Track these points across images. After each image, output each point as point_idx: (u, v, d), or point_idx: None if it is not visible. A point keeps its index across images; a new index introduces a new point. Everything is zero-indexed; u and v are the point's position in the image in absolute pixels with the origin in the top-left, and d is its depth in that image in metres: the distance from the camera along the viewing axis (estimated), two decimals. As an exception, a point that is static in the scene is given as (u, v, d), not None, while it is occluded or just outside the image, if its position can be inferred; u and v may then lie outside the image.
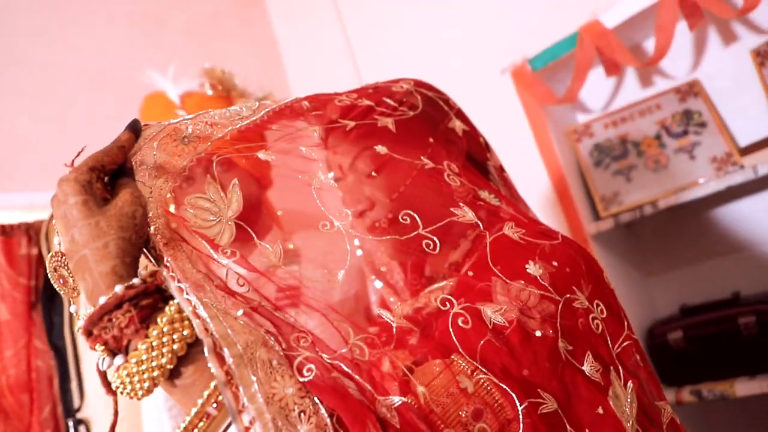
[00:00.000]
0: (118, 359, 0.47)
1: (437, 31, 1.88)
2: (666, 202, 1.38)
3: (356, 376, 0.48)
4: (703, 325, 1.38)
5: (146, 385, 0.46)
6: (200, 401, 0.45)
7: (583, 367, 0.60)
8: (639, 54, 1.58)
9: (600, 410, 0.57)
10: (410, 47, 1.96)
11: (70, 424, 1.26)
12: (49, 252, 1.35)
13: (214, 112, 0.62)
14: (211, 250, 0.51)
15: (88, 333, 0.47)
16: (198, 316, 0.46)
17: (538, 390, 0.55)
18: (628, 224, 1.55)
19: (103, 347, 0.47)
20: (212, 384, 0.45)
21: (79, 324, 0.50)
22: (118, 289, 0.46)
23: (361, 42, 2.07)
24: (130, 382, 0.46)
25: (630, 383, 0.62)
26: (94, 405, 1.27)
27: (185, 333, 0.46)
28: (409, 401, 0.48)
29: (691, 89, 1.51)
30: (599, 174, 1.58)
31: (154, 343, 0.45)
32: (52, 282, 0.51)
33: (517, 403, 0.52)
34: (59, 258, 0.51)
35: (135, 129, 0.55)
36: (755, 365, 1.30)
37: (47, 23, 1.70)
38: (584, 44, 1.47)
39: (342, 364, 0.48)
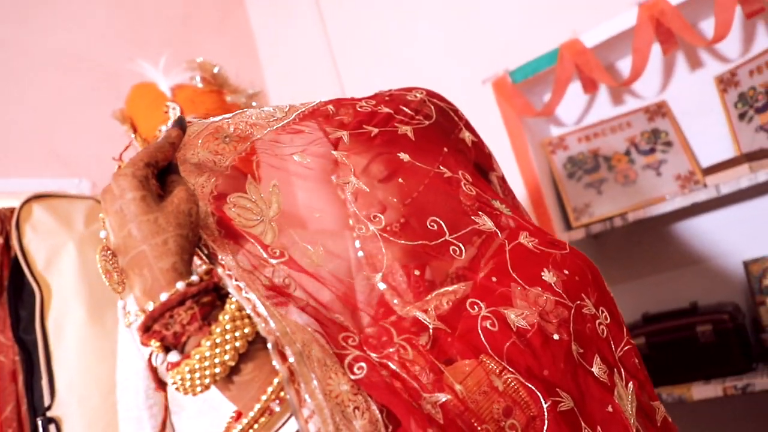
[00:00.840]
0: (173, 356, 0.48)
1: (420, 36, 1.92)
2: (635, 215, 1.47)
3: (403, 374, 0.51)
4: (664, 332, 1.47)
5: (206, 381, 0.46)
6: (264, 397, 0.47)
7: (592, 369, 0.65)
8: (612, 73, 1.67)
9: (609, 408, 0.62)
10: (392, 50, 1.99)
11: (39, 423, 1.22)
12: (20, 242, 1.31)
13: (250, 112, 0.63)
14: (261, 250, 0.53)
15: (147, 328, 0.47)
16: (258, 315, 0.47)
17: (557, 389, 0.59)
18: (596, 235, 1.64)
19: (159, 343, 0.47)
20: (275, 381, 0.47)
21: (131, 319, 0.51)
22: (180, 285, 0.47)
23: (341, 43, 2.09)
24: (191, 378, 0.46)
25: (630, 384, 0.68)
26: (67, 403, 1.24)
27: (246, 331, 0.47)
28: (451, 398, 0.51)
29: (659, 110, 1.62)
30: (572, 185, 1.67)
31: (218, 340, 0.46)
32: (101, 275, 0.51)
33: (542, 401, 0.56)
34: (105, 252, 0.51)
35: (183, 126, 0.56)
36: (710, 371, 1.41)
37: (20, 5, 1.64)
38: (564, 61, 1.54)
39: (390, 363, 0.51)
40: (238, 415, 0.53)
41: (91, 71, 1.72)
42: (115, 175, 0.50)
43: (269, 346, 0.46)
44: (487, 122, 1.72)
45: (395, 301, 0.81)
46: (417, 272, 0.77)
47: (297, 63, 2.18)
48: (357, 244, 0.63)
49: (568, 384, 0.61)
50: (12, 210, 1.33)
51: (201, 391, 0.47)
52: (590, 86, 1.56)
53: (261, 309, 0.47)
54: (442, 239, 0.66)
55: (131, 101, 1.23)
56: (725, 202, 1.52)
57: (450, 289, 0.75)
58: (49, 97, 1.61)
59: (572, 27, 1.57)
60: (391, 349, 0.52)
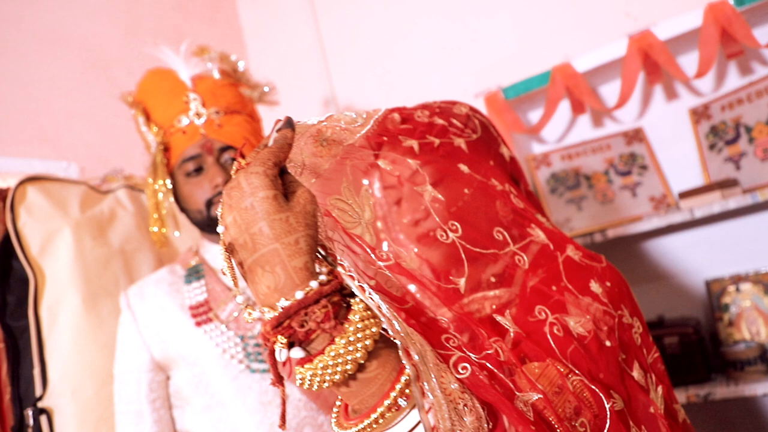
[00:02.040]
0: (297, 352, 0.49)
1: (415, 45, 1.96)
2: (615, 232, 1.58)
3: (500, 374, 0.55)
4: (633, 342, 1.58)
5: (336, 377, 0.48)
6: (393, 394, 0.49)
7: (633, 373, 0.71)
8: (595, 97, 1.78)
9: (651, 410, 0.68)
10: (385, 55, 2.03)
11: (30, 413, 1.17)
12: (14, 224, 1.25)
13: (338, 116, 0.65)
14: (370, 252, 0.55)
15: (278, 324, 0.49)
16: (384, 315, 0.50)
17: (611, 391, 0.65)
18: (574, 248, 1.74)
19: (285, 340, 0.49)
20: (402, 378, 0.49)
21: (255, 315, 0.52)
22: (314, 284, 0.48)
23: (333, 47, 2.11)
24: (321, 375, 0.48)
25: (659, 388, 0.75)
26: (60, 394, 1.19)
27: (374, 330, 0.49)
28: (541, 397, 0.56)
29: (636, 135, 1.74)
30: (554, 201, 1.76)
31: (351, 338, 0.48)
32: (225, 268, 0.52)
33: (605, 402, 0.62)
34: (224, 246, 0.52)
35: (293, 127, 0.57)
36: (675, 379, 1.53)
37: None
38: (556, 83, 1.63)
39: (487, 363, 0.55)
40: (345, 408, 0.55)
41: (83, 53, 1.66)
42: (244, 173, 0.50)
43: (399, 345, 0.48)
44: (478, 134, 1.79)
45: (427, 303, 0.86)
46: (433, 277, 0.82)
47: (287, 64, 2.17)
48: (438, 250, 0.66)
49: (618, 387, 0.67)
50: (4, 191, 1.27)
51: (328, 387, 0.49)
52: (578, 108, 1.66)
53: (385, 310, 0.50)
54: (508, 249, 0.70)
55: (146, 87, 1.20)
56: (693, 224, 1.65)
57: (491, 294, 0.80)
58: (39, 78, 1.54)
59: (564, 51, 1.67)
60: (489, 351, 0.56)
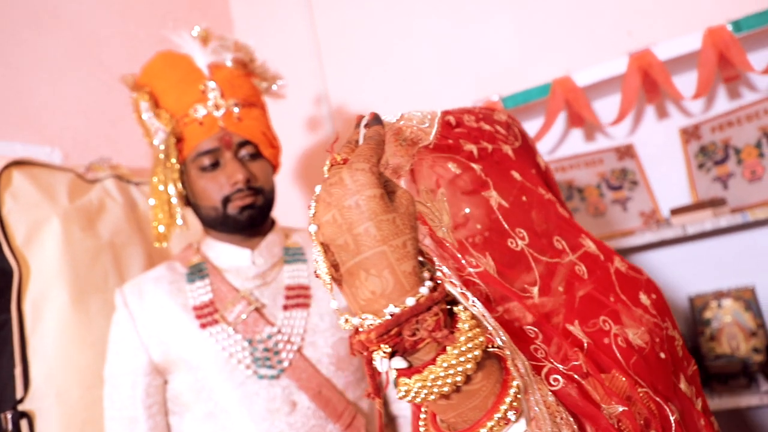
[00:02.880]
0: (399, 362, 0.46)
1: (414, 49, 1.96)
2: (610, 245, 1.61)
3: (588, 387, 0.54)
4: (620, 353, 1.62)
5: (445, 389, 0.45)
6: (503, 407, 0.46)
7: (680, 386, 0.72)
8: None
9: (702, 422, 0.69)
10: (383, 54, 2.01)
11: (9, 417, 1.08)
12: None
13: (409, 115, 0.63)
14: (461, 258, 0.54)
15: (386, 332, 0.45)
16: (489, 324, 0.48)
17: (669, 403, 0.66)
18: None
19: (390, 349, 0.46)
20: (512, 391, 0.47)
21: (355, 322, 0.48)
22: (424, 290, 0.46)
23: (330, 43, 2.08)
24: (430, 386, 0.45)
25: (698, 400, 0.76)
26: (43, 396, 1.11)
27: (481, 339, 0.47)
28: (626, 409, 0.55)
29: (628, 151, 1.79)
30: (546, 211, 1.78)
31: (462, 348, 0.45)
32: (323, 270, 0.48)
33: (670, 414, 0.62)
34: (316, 247, 0.49)
35: (382, 123, 0.55)
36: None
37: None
38: (556, 95, 1.66)
39: (575, 374, 0.54)
40: (434, 419, 0.52)
41: (71, 36, 1.57)
42: (349, 169, 0.47)
43: (508, 357, 0.47)
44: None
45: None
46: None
47: (278, 57, 2.12)
48: (510, 257, 0.65)
49: (674, 399, 0.67)
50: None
51: (434, 399, 0.47)
52: (577, 122, 1.69)
53: (491, 319, 0.48)
54: (569, 258, 0.70)
55: (156, 70, 1.13)
56: (680, 241, 1.71)
57: (529, 302, 0.80)
58: (24, 59, 1.45)
59: (565, 64, 1.70)
60: (576, 362, 0.55)
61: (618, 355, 0.64)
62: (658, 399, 0.63)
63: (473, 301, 0.49)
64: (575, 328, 0.63)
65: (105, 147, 1.56)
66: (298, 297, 1.12)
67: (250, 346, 1.06)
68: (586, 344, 0.62)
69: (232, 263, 1.13)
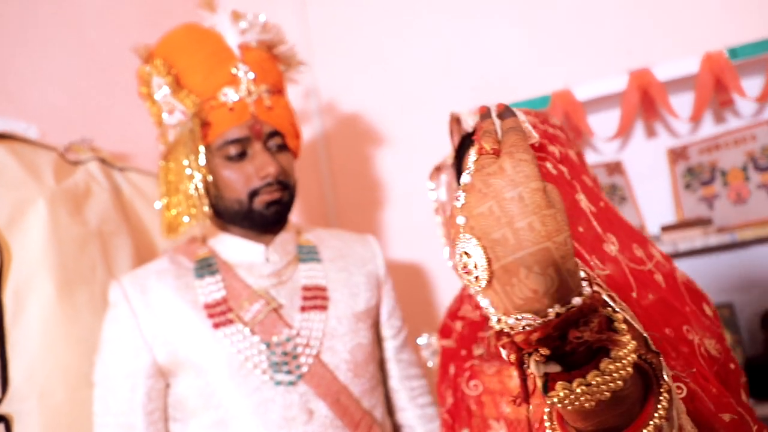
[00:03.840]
0: (553, 366, 0.44)
1: (413, 46, 1.93)
2: (601, 259, 1.65)
3: (702, 394, 0.53)
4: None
5: (605, 395, 0.43)
6: (657, 415, 0.45)
7: (742, 397, 0.73)
8: (582, 127, 1.86)
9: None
10: (378, 53, 1.98)
11: (-17, 419, 0.96)
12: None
13: (520, 116, 0.62)
14: (589, 259, 0.52)
15: (548, 333, 0.43)
16: (638, 328, 0.46)
17: (746, 414, 0.67)
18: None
19: (548, 351, 0.43)
20: (662, 398, 0.46)
21: (511, 322, 0.45)
22: (588, 290, 0.44)
23: (322, 37, 2.03)
24: (589, 392, 0.43)
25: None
26: (24, 398, 0.99)
27: (634, 344, 0.45)
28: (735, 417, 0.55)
29: (617, 167, 1.84)
30: (537, 222, 1.80)
31: (622, 352, 0.43)
32: (458, 269, 0.45)
33: (751, 424, 0.63)
34: (467, 239, 0.45)
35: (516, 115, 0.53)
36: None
37: None
38: (555, 107, 1.69)
39: (690, 381, 0.53)
40: (560, 421, 0.50)
41: (55, 8, 1.45)
42: (511, 158, 0.45)
43: (663, 365, 0.45)
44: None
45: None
46: None
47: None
48: (610, 264, 0.64)
49: (747, 409, 0.68)
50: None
51: (586, 407, 0.44)
52: (576, 135, 1.73)
53: (637, 324, 0.47)
54: (649, 266, 0.70)
55: (179, 44, 1.03)
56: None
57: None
58: (4, 29, 1.32)
59: (565, 78, 1.73)
60: (694, 369, 0.54)
61: (704, 364, 0.64)
62: (739, 409, 0.63)
63: (621, 304, 0.47)
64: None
65: (85, 127, 1.45)
66: (316, 298, 1.07)
67: (267, 349, 0.99)
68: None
69: (244, 259, 1.07)
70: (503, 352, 0.46)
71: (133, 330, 0.99)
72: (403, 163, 1.92)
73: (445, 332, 0.96)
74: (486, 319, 0.92)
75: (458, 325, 0.94)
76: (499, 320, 0.45)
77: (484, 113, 0.52)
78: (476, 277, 0.44)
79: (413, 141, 1.91)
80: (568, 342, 0.43)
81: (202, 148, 0.99)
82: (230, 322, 1.00)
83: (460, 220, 0.46)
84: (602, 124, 1.79)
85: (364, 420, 1.05)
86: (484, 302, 0.46)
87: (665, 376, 0.47)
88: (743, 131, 1.65)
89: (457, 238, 0.46)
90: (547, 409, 0.52)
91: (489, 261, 0.44)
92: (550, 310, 0.43)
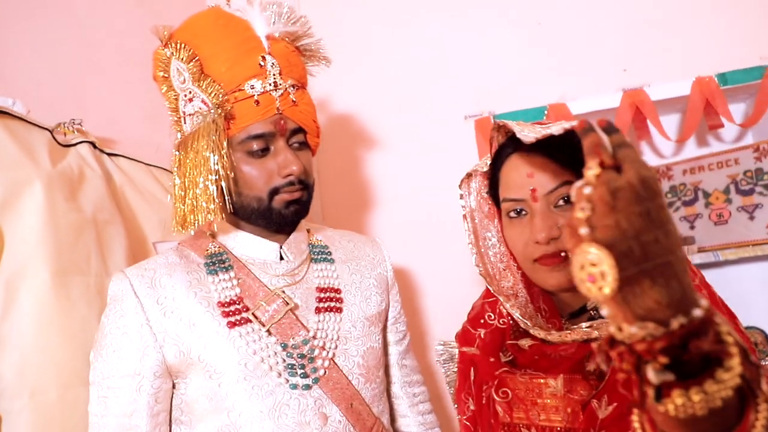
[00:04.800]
0: (666, 375, 0.45)
1: (410, 48, 1.93)
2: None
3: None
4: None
5: (718, 404, 0.45)
6: (759, 424, 0.47)
7: None
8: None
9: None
10: (372, 52, 1.97)
11: (-33, 418, 0.89)
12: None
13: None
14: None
15: (671, 343, 0.44)
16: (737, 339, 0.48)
17: None
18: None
19: (666, 361, 0.45)
20: (763, 408, 0.48)
21: (633, 330, 0.46)
22: (705, 302, 0.46)
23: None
24: (708, 401, 0.45)
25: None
26: (14, 396, 0.90)
27: (740, 355, 0.47)
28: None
29: (602, 183, 1.90)
30: (525, 233, 1.84)
31: (735, 361, 0.46)
32: (580, 282, 0.45)
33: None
34: (591, 250, 0.46)
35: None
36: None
37: None
38: (550, 120, 1.73)
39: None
40: (653, 429, 0.51)
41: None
42: (637, 172, 0.46)
43: (761, 372, 0.47)
44: (462, 157, 1.82)
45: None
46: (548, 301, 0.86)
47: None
48: None
49: None
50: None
51: (698, 415, 0.46)
52: (568, 148, 1.77)
53: (734, 334, 0.48)
54: (695, 283, 0.72)
55: (205, 29, 0.98)
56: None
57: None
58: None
59: (561, 91, 1.77)
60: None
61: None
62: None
63: (720, 316, 0.49)
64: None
65: (71, 108, 1.38)
66: (331, 300, 1.05)
67: (283, 351, 0.97)
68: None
69: (257, 256, 1.03)
70: (598, 358, 0.48)
71: (141, 326, 0.94)
72: (391, 166, 1.92)
73: (467, 339, 0.96)
74: (511, 327, 0.92)
75: (481, 333, 0.95)
76: (620, 329, 0.46)
77: (586, 128, 0.53)
78: (599, 287, 0.45)
79: (403, 143, 1.90)
80: (688, 351, 0.44)
81: (225, 143, 0.94)
82: (246, 321, 0.96)
83: (584, 231, 0.46)
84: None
85: (375, 426, 1.03)
86: (604, 311, 0.47)
87: (763, 387, 0.49)
88: (727, 154, 1.74)
89: (577, 248, 0.46)
90: (636, 418, 0.53)
91: (615, 272, 0.45)
92: (673, 320, 0.44)
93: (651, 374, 0.46)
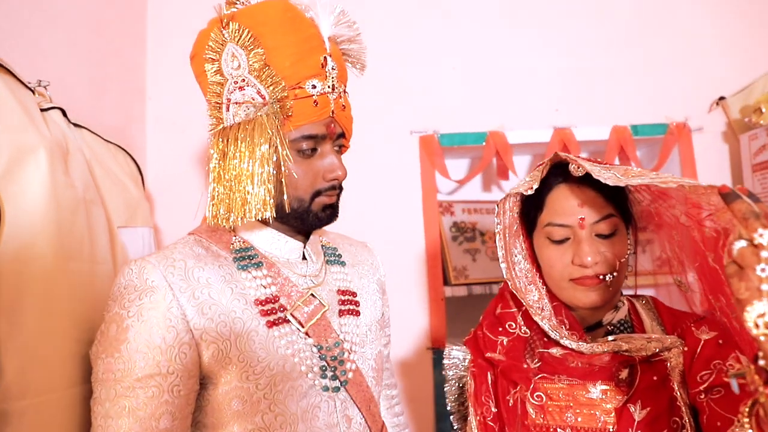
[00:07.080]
0: None
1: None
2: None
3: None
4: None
5: None
6: None
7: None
8: (497, 166, 2.13)
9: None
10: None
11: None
12: None
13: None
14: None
15: None
16: None
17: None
18: (471, 295, 1.99)
19: None
20: None
21: None
22: None
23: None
24: None
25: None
26: (16, 395, 0.77)
27: None
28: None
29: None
30: (454, 247, 2.00)
31: None
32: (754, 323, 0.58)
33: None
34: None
35: None
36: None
37: None
38: (490, 145, 1.92)
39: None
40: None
41: None
42: None
43: None
44: (403, 171, 1.93)
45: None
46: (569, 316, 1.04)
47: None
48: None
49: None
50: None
51: None
52: (503, 173, 1.97)
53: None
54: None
55: (274, 22, 0.95)
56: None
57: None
58: None
59: (500, 121, 1.97)
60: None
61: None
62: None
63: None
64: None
65: (29, 69, 1.22)
66: (350, 303, 1.08)
67: (319, 353, 0.98)
68: None
69: (282, 255, 1.03)
70: (748, 378, 0.61)
71: (177, 322, 0.88)
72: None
73: (487, 346, 1.06)
74: (538, 334, 1.05)
75: (504, 340, 1.06)
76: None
77: (729, 193, 0.65)
78: None
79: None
80: None
81: (286, 140, 0.93)
82: (284, 321, 0.95)
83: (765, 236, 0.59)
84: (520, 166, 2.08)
85: (383, 428, 1.08)
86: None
87: None
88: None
89: (757, 300, 0.59)
90: (746, 420, 0.67)
91: None
92: None
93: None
